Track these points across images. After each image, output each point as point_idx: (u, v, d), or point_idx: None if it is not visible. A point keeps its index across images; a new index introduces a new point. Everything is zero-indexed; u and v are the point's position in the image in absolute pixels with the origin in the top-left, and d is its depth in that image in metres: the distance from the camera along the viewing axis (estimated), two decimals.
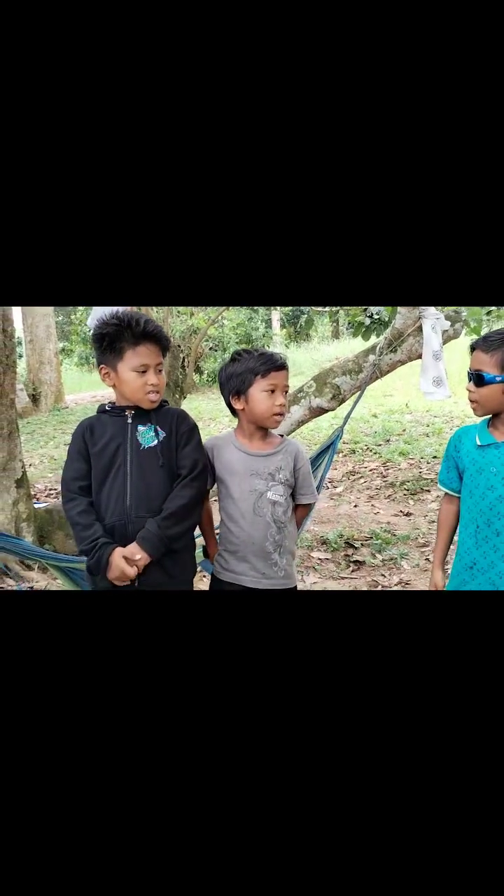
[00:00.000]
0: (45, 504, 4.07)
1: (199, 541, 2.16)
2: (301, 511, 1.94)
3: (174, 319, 6.92)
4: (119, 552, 1.66)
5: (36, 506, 3.77)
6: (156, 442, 1.76)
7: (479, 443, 1.74)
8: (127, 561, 1.67)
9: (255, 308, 13.92)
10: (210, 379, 11.56)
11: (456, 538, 1.89)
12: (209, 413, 8.98)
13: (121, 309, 1.81)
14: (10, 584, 3.37)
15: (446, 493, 1.91)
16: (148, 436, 1.76)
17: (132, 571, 1.67)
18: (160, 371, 1.75)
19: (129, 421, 1.77)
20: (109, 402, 1.84)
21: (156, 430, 1.77)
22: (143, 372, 1.71)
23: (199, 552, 2.52)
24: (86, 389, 12.83)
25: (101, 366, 1.77)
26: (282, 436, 1.91)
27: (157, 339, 1.72)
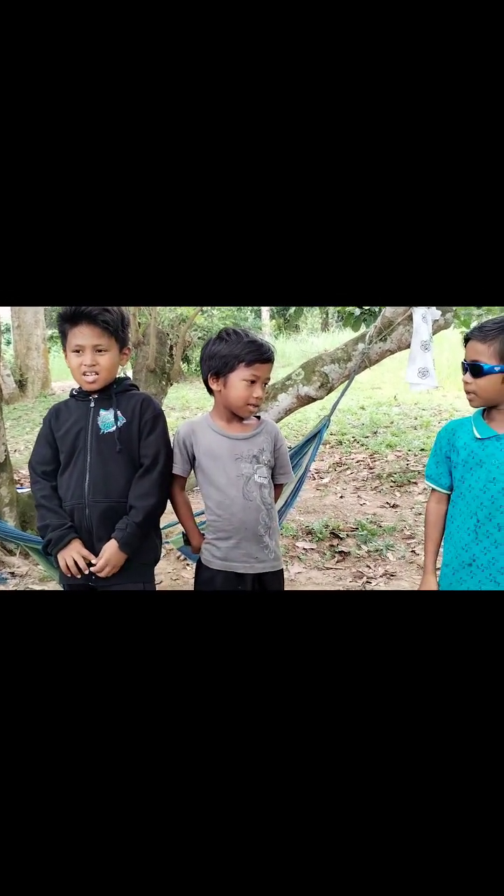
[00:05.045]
0: (28, 489, 4.02)
1: (178, 528, 2.12)
2: (276, 490, 1.91)
3: (162, 307, 6.86)
4: (77, 550, 1.71)
5: (19, 490, 3.73)
6: (114, 427, 1.76)
7: (478, 436, 1.70)
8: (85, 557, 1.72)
9: None
10: (198, 368, 11.49)
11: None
12: (196, 402, 8.94)
13: None
14: None
15: (434, 492, 1.84)
16: (107, 420, 1.76)
17: (86, 568, 1.71)
18: (100, 352, 1.73)
19: (92, 405, 1.78)
20: (78, 387, 1.84)
21: (115, 416, 1.76)
22: (79, 352, 1.72)
23: (178, 538, 2.50)
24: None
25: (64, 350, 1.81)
26: (257, 417, 1.87)
27: (91, 319, 1.70)
